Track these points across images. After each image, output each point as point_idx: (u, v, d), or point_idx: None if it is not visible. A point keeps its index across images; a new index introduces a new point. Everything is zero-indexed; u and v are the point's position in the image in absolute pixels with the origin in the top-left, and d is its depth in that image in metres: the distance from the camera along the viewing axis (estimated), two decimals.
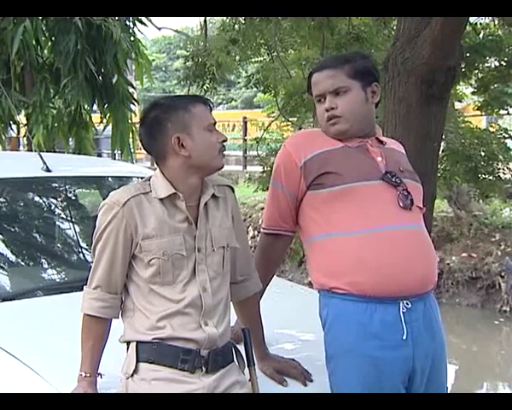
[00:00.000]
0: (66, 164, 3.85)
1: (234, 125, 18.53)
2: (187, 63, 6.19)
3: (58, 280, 3.13)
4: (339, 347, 2.21)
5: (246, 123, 14.94)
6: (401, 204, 2.19)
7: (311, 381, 2.32)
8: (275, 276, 2.58)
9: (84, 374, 2.05)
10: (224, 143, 2.10)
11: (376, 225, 2.16)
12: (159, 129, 2.07)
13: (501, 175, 5.95)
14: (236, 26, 6.01)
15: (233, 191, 2.27)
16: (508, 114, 8.16)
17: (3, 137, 7.30)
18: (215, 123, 2.10)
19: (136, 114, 7.51)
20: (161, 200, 2.07)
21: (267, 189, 6.54)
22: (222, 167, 2.12)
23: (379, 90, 2.33)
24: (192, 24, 25.70)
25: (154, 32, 41.87)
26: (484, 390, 6.12)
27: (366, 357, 2.14)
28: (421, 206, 2.29)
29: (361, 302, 2.14)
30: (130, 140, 7.12)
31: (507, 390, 6.47)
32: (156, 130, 2.08)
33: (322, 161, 2.24)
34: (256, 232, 10.42)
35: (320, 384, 2.27)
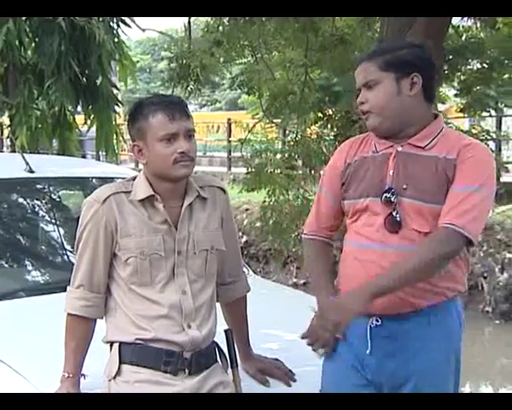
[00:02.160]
0: (49, 165, 3.83)
1: (218, 127, 18.53)
2: (171, 65, 6.16)
3: (41, 281, 3.12)
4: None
5: (230, 124, 14.96)
6: (387, 226, 2.11)
7: (295, 381, 2.33)
8: (259, 277, 2.59)
9: (67, 375, 2.05)
10: (188, 153, 2.04)
11: (361, 242, 2.15)
12: (129, 132, 2.14)
13: None
14: (220, 28, 6.00)
15: (225, 193, 2.27)
16: (490, 115, 8.23)
17: None
18: (176, 133, 2.04)
19: (120, 116, 7.50)
20: (140, 201, 2.08)
21: (252, 190, 6.55)
22: (184, 175, 2.08)
23: (420, 81, 2.13)
24: (176, 25, 25.68)
25: (139, 33, 41.83)
26: (467, 390, 6.17)
27: (339, 357, 2.18)
28: (421, 228, 2.09)
29: None
30: (115, 141, 7.12)
31: (489, 390, 6.54)
32: (129, 132, 2.14)
33: (349, 170, 2.24)
34: (240, 233, 10.42)
35: (303, 384, 2.29)
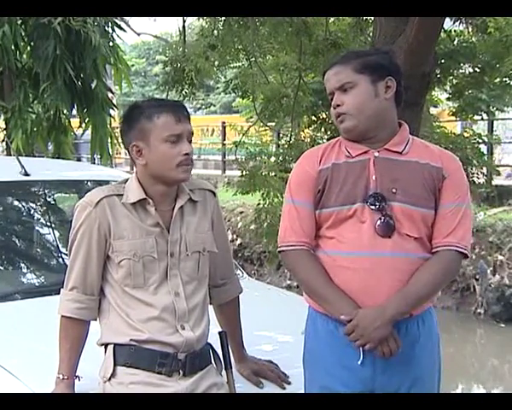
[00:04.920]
0: (44, 168, 3.85)
1: (213, 130, 18.55)
2: (166, 68, 6.19)
3: (36, 284, 3.13)
4: (308, 356, 2.24)
5: (224, 128, 14.98)
6: (378, 231, 2.08)
7: (289, 383, 2.34)
8: (253, 279, 2.60)
9: (61, 377, 2.06)
10: (191, 155, 2.08)
11: (347, 250, 2.09)
12: (125, 133, 2.13)
13: (475, 180, 6.02)
14: (215, 32, 6.03)
15: (215, 195, 2.29)
16: (482, 119, 8.27)
17: None
18: (181, 135, 2.07)
19: (115, 119, 7.51)
20: (133, 204, 2.10)
21: (246, 192, 6.57)
22: (184, 179, 2.11)
23: (394, 85, 2.15)
24: (171, 29, 25.62)
25: (134, 37, 41.74)
26: (459, 391, 6.22)
27: (328, 373, 2.14)
28: (413, 233, 2.09)
29: (327, 319, 2.14)
30: (109, 145, 7.13)
31: (481, 390, 6.58)
32: (125, 133, 2.13)
33: (324, 177, 2.15)
34: (235, 236, 10.44)
35: (297, 386, 2.30)
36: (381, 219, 2.08)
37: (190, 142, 2.11)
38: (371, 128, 2.14)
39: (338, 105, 2.14)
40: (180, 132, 2.06)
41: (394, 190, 2.09)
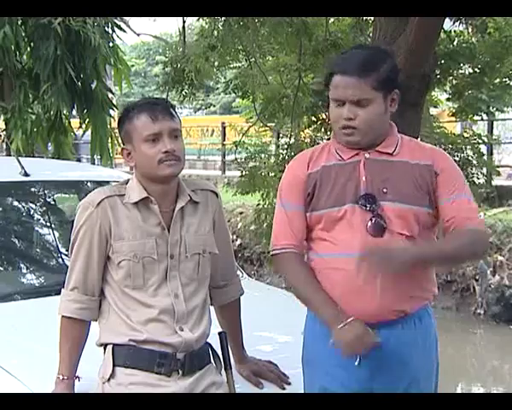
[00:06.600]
0: (44, 169, 3.86)
1: (213, 131, 18.54)
2: (166, 69, 6.20)
3: (36, 284, 3.14)
4: (307, 356, 2.24)
5: (224, 128, 14.99)
6: (370, 231, 2.08)
7: (289, 384, 2.34)
8: (253, 279, 2.60)
9: (61, 377, 2.07)
10: (173, 152, 2.06)
11: (340, 251, 2.10)
12: (120, 137, 2.18)
13: (475, 180, 6.03)
14: (215, 33, 6.03)
15: (217, 196, 2.28)
16: (482, 119, 8.29)
17: None
18: (160, 133, 2.06)
19: (115, 120, 7.51)
20: (134, 204, 2.10)
21: (246, 193, 6.56)
22: (170, 175, 2.09)
23: (398, 98, 2.15)
24: (171, 30, 25.60)
25: (133, 37, 41.76)
26: (459, 391, 6.22)
27: (326, 373, 2.14)
28: (404, 231, 2.10)
29: None
30: (110, 145, 7.13)
31: (481, 391, 6.58)
32: (120, 137, 2.19)
33: (314, 180, 2.16)
34: (235, 236, 10.43)
35: (297, 386, 2.30)
36: (371, 219, 2.09)
37: (176, 137, 2.10)
38: (371, 141, 2.14)
39: (350, 118, 2.10)
40: (158, 131, 2.07)
41: (385, 190, 2.10)
